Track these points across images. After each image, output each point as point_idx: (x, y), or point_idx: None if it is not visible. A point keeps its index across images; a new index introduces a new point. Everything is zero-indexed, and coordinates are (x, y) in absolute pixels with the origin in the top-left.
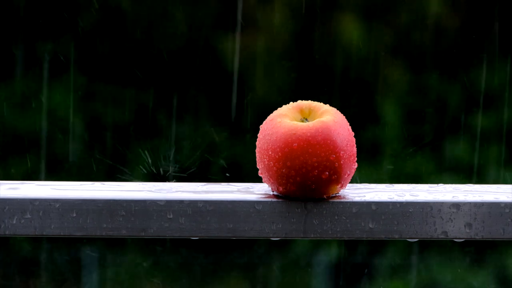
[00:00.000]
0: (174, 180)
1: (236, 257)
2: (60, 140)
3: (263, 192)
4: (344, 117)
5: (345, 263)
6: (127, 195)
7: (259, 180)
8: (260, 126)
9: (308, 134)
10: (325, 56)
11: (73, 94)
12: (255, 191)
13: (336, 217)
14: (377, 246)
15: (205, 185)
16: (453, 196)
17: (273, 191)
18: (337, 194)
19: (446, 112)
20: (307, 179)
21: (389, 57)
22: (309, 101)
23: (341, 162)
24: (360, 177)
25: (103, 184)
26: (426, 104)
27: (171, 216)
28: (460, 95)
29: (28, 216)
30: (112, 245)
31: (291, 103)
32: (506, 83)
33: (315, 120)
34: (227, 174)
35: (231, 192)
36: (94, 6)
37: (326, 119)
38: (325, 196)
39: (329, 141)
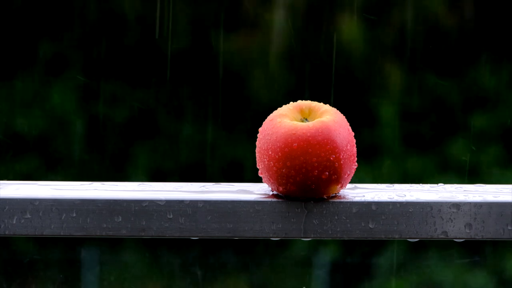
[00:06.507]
0: (174, 180)
1: (236, 257)
2: (60, 140)
3: (263, 192)
4: (344, 117)
5: (345, 263)
6: (127, 195)
7: (259, 180)
8: (260, 126)
9: (308, 134)
10: (325, 56)
11: (73, 94)
12: (255, 191)
13: (336, 217)
14: (377, 246)
15: (205, 185)
16: (453, 196)
17: (273, 191)
18: (337, 194)
19: (445, 112)
20: (307, 179)
21: (389, 57)
22: (309, 101)
23: (341, 162)
24: (359, 177)
25: (103, 184)
26: (425, 104)
27: (171, 216)
28: (459, 95)
29: (28, 216)
30: (112, 245)
31: (291, 103)
32: (505, 83)
33: (315, 120)
34: (227, 174)
35: (231, 192)
36: (96, 6)
37: (326, 119)
38: (325, 196)
39: (329, 141)
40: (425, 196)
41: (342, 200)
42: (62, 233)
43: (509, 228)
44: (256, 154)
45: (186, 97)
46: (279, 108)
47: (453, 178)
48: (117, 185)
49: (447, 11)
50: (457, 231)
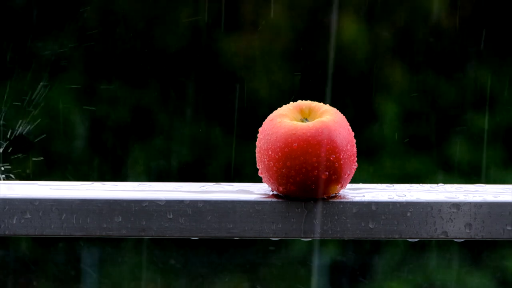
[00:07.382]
0: (174, 180)
1: (236, 257)
2: (60, 140)
3: (263, 192)
4: (344, 117)
5: (345, 263)
6: (127, 195)
7: (259, 180)
8: (260, 126)
9: (308, 134)
10: (325, 56)
11: (73, 94)
12: (255, 191)
13: (336, 217)
14: (377, 246)
15: (205, 185)
16: (453, 196)
17: (273, 191)
18: (337, 194)
19: (445, 112)
20: (307, 179)
21: (389, 57)
22: (309, 101)
23: (341, 162)
24: (360, 177)
25: (103, 184)
26: (425, 104)
27: (171, 216)
28: (460, 95)
29: (28, 216)
30: (112, 245)
31: (291, 103)
32: (506, 83)
33: (315, 120)
34: (227, 174)
35: (231, 192)
36: (95, 5)
37: (326, 119)
38: (325, 196)
39: (329, 141)
40: (425, 196)
41: (342, 200)
42: (62, 233)
43: (509, 228)
44: (256, 154)
45: (186, 97)
46: (279, 108)
47: (453, 178)
48: (117, 185)
49: (448, 11)
50: (457, 231)
